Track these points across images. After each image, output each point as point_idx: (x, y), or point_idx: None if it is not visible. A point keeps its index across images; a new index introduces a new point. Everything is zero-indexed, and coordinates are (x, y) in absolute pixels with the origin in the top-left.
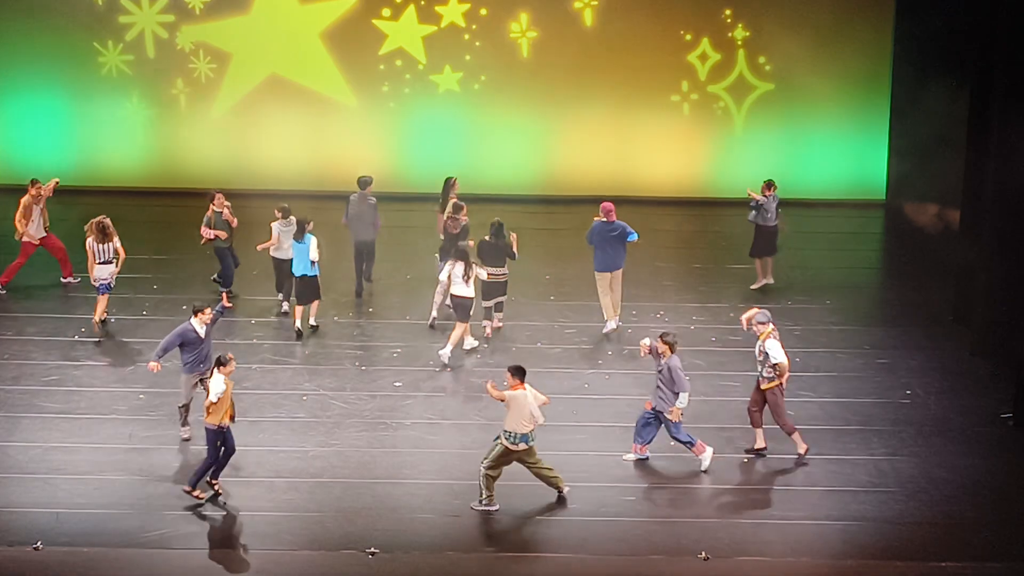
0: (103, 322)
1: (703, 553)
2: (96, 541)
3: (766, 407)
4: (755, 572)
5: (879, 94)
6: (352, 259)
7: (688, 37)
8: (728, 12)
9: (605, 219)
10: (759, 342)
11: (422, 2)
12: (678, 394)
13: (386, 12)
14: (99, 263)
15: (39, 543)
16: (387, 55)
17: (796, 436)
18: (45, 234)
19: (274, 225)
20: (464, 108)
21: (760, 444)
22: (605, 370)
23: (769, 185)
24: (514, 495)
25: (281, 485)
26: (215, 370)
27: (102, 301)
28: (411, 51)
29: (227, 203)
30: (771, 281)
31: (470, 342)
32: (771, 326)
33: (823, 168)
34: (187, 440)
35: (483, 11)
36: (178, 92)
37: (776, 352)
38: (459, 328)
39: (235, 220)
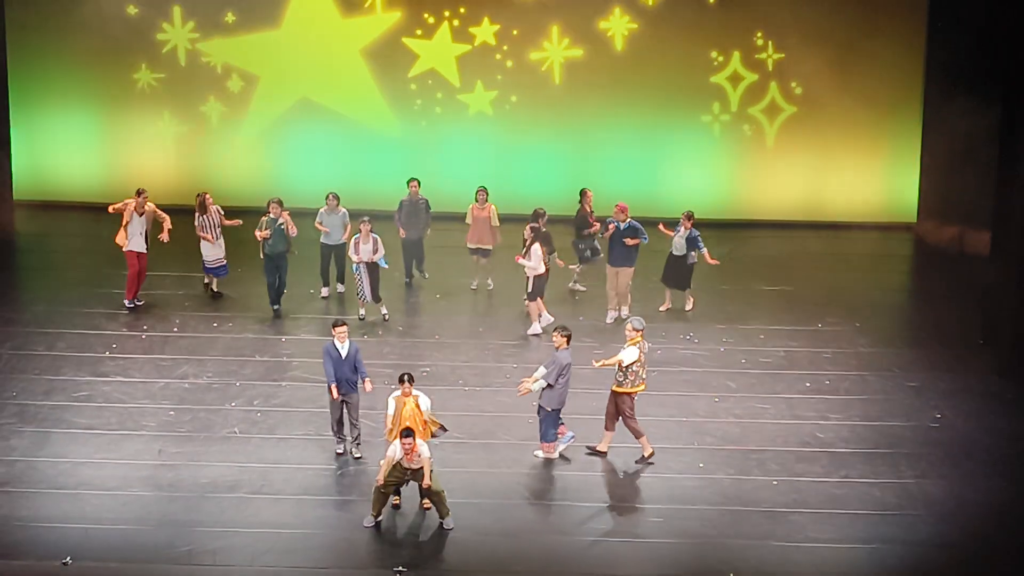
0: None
1: (731, 574)
2: (124, 556)
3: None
4: None
5: (910, 115)
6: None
7: (719, 59)
8: (759, 34)
9: (617, 219)
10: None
11: (456, 22)
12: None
13: (419, 31)
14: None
15: (68, 558)
16: (419, 75)
17: (642, 440)
18: (143, 250)
19: (321, 212)
20: (495, 128)
21: (648, 451)
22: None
23: (688, 217)
24: (539, 514)
25: (309, 502)
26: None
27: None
28: (443, 72)
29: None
30: (669, 306)
31: (547, 318)
32: (639, 335)
33: (853, 190)
34: (340, 455)
35: (515, 31)
36: (209, 109)
37: (629, 356)
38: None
39: (294, 229)
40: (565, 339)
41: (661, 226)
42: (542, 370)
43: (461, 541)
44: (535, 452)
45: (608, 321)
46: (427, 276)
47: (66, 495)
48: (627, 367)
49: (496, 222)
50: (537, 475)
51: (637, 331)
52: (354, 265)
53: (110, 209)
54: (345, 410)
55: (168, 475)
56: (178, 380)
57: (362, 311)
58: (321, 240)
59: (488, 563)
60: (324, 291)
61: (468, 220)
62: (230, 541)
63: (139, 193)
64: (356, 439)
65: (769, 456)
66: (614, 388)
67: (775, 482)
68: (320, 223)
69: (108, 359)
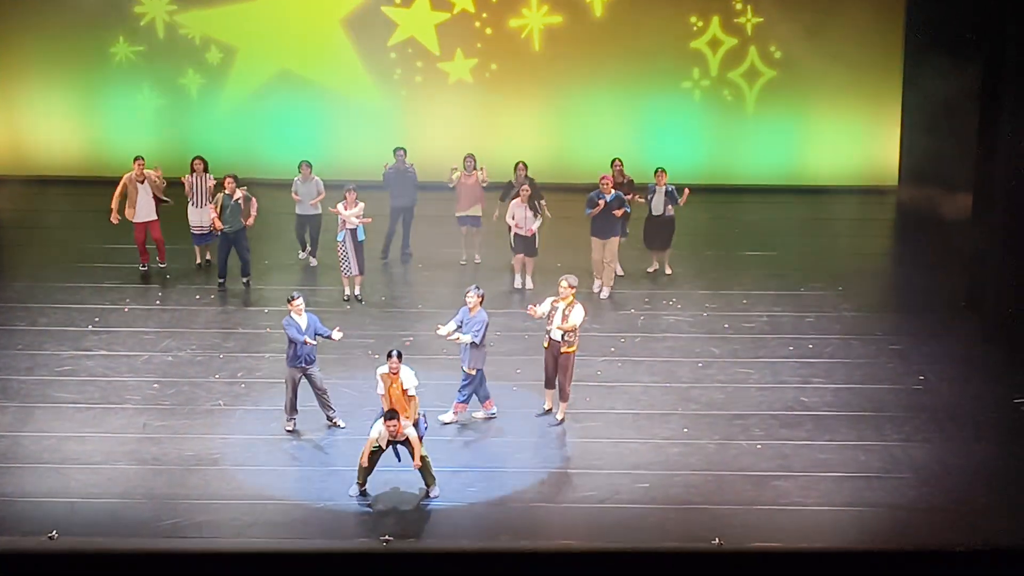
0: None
1: (717, 539)
2: (110, 531)
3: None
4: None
5: (890, 78)
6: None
7: (699, 24)
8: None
9: (602, 191)
10: (563, 305)
11: None
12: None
13: (398, 0)
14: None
15: (54, 533)
16: (399, 44)
17: (565, 405)
18: (155, 217)
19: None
20: (476, 96)
21: (550, 405)
22: (618, 358)
23: (663, 172)
24: (525, 483)
25: (294, 474)
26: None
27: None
28: (422, 40)
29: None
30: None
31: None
32: (572, 293)
33: (834, 154)
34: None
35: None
36: (188, 82)
37: (579, 317)
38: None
39: (254, 207)
40: (480, 299)
41: (636, 197)
42: (452, 324)
43: (447, 510)
44: (476, 414)
45: (595, 290)
46: (410, 253)
47: (51, 470)
48: (577, 328)
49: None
50: (521, 444)
51: (572, 288)
52: (339, 234)
53: (114, 202)
54: (309, 384)
55: (152, 449)
56: (161, 353)
57: (347, 290)
58: (296, 211)
59: (474, 532)
60: (302, 254)
61: (451, 184)
62: (216, 514)
63: (136, 161)
64: (332, 413)
65: (753, 421)
66: (563, 350)
67: (759, 447)
68: (295, 192)
69: (91, 333)
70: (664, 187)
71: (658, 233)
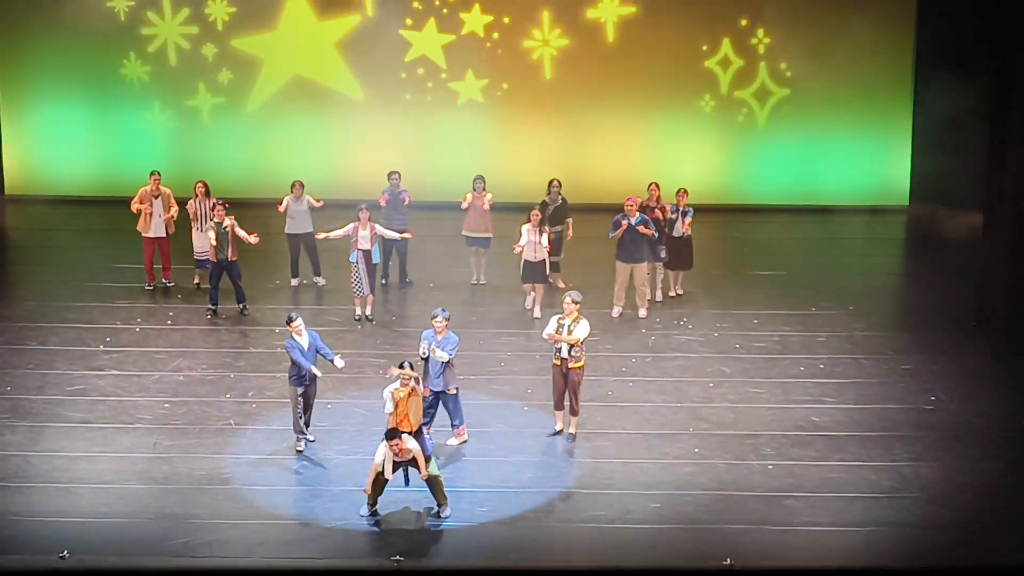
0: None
1: (728, 559)
2: (120, 550)
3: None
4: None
5: (901, 97)
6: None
7: (709, 44)
8: (745, 22)
9: (628, 214)
10: (568, 321)
11: (444, 11)
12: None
13: (409, 21)
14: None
15: (65, 552)
16: (409, 64)
17: (576, 420)
18: (165, 235)
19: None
20: (487, 116)
21: (561, 426)
22: (629, 378)
23: (685, 193)
24: (536, 502)
25: (304, 494)
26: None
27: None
28: (433, 59)
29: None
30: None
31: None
32: (577, 308)
33: (845, 173)
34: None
35: (506, 19)
36: (200, 102)
37: (584, 331)
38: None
39: (244, 234)
40: (446, 322)
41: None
42: (425, 345)
43: (457, 530)
44: (450, 441)
45: (613, 315)
46: (410, 281)
47: (61, 489)
48: (582, 342)
49: (487, 206)
50: (532, 463)
51: (576, 304)
52: (352, 255)
53: (133, 208)
54: (303, 401)
55: (163, 468)
56: (172, 373)
57: (358, 310)
58: (286, 231)
59: (485, 551)
60: (293, 281)
61: (464, 207)
62: (226, 533)
63: (152, 175)
64: (306, 424)
65: (764, 441)
66: (572, 365)
67: (770, 466)
68: (285, 209)
69: (102, 353)
70: (682, 208)
71: (678, 254)
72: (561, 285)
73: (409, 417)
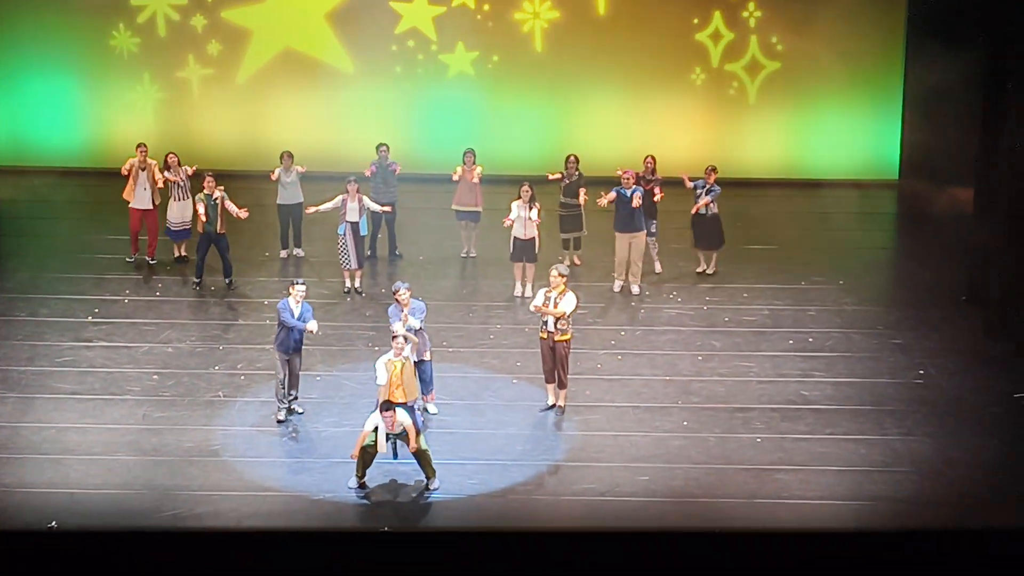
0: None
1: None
2: (109, 521)
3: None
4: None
5: (892, 70)
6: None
7: (701, 16)
8: None
9: (624, 186)
10: (554, 294)
11: None
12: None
13: None
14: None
15: (53, 523)
16: (400, 36)
17: (565, 392)
18: (151, 207)
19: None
20: (477, 89)
21: (554, 400)
22: (619, 351)
23: (714, 170)
24: (526, 475)
25: (293, 466)
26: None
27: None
28: (424, 31)
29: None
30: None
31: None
32: (563, 281)
33: (836, 147)
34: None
35: None
36: (189, 74)
37: (570, 305)
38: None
39: (234, 208)
40: (409, 292)
41: (686, 178)
42: (400, 322)
43: (447, 502)
44: (428, 407)
45: (615, 290)
46: (400, 254)
47: (50, 461)
48: (569, 315)
49: (477, 180)
50: (521, 436)
51: (563, 277)
52: (340, 227)
53: (123, 170)
54: (287, 371)
55: (152, 439)
56: (161, 344)
57: (347, 283)
58: (278, 201)
59: (474, 523)
60: (283, 253)
61: (455, 178)
62: (216, 505)
63: (139, 148)
64: (294, 399)
65: (754, 415)
66: (558, 338)
67: (760, 440)
68: (278, 178)
69: (91, 324)
70: (710, 185)
71: (703, 233)
72: (578, 263)
73: (404, 388)
